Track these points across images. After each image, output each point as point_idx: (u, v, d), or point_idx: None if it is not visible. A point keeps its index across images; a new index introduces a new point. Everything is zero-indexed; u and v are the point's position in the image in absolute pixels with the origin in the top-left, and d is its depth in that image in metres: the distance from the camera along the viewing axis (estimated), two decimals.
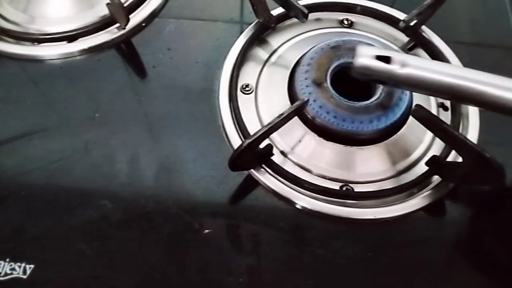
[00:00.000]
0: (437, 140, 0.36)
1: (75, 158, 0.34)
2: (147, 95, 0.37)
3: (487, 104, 0.28)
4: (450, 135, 0.31)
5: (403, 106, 0.34)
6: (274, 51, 0.40)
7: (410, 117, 0.35)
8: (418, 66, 0.27)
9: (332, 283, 0.30)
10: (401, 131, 0.35)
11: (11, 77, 0.38)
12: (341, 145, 0.34)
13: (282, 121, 0.31)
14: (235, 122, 0.35)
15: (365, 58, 0.27)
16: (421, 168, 0.35)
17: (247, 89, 0.37)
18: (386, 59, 0.27)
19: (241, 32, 0.40)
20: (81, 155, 0.34)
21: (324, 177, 0.34)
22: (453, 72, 0.28)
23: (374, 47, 0.29)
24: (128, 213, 0.32)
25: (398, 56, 0.27)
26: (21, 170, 0.33)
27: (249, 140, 0.30)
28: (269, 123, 0.31)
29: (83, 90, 0.37)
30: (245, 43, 0.39)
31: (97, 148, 0.34)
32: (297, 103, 0.32)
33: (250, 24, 0.40)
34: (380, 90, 0.34)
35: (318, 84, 0.34)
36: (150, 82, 0.37)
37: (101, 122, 0.35)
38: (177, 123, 0.36)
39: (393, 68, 0.27)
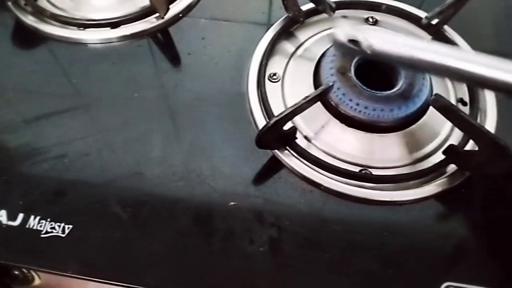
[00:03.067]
0: (454, 132, 0.37)
1: (114, 132, 0.36)
2: (181, 79, 0.40)
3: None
4: (467, 124, 0.32)
5: (423, 97, 0.36)
6: (301, 44, 0.42)
7: (429, 108, 0.37)
8: (381, 47, 0.29)
9: (348, 258, 0.32)
10: (420, 121, 0.37)
11: (58, 57, 0.41)
12: (362, 132, 0.36)
13: (307, 103, 0.33)
14: (262, 107, 0.37)
15: (339, 39, 0.29)
16: (438, 157, 0.36)
17: (274, 77, 0.40)
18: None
19: (271, 25, 0.42)
20: (120, 130, 0.37)
21: (344, 161, 0.36)
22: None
23: (349, 27, 0.30)
24: (161, 183, 0.34)
25: (365, 40, 0.29)
26: (65, 139, 0.36)
27: (276, 118, 0.32)
28: (295, 104, 0.33)
29: (124, 72, 0.40)
30: (274, 35, 0.41)
31: (135, 125, 0.37)
32: (322, 87, 0.34)
33: (280, 18, 0.43)
34: (401, 81, 0.36)
35: (342, 73, 0.36)
36: (185, 68, 0.40)
37: (139, 102, 0.38)
38: (208, 106, 0.38)
39: (363, 50, 0.29)
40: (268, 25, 0.43)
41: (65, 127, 0.37)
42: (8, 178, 0.34)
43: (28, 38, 0.43)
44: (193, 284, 0.31)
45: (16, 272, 0.34)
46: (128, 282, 0.31)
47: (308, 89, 0.38)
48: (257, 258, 0.31)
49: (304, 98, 0.33)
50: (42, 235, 0.32)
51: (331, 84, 0.35)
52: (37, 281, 0.35)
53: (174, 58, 0.41)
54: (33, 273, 0.34)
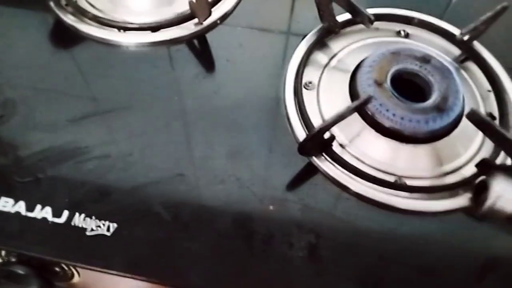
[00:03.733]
0: (485, 145, 0.38)
1: (156, 134, 0.37)
2: (220, 85, 0.41)
3: None
4: (501, 137, 0.33)
5: (457, 110, 0.37)
6: (335, 55, 0.43)
7: (461, 121, 0.38)
8: None
9: (385, 266, 0.33)
10: (452, 134, 0.38)
11: (99, 58, 0.42)
12: (397, 142, 0.37)
13: (349, 112, 0.34)
14: (299, 113, 0.39)
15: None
16: (468, 170, 0.37)
17: (310, 85, 0.41)
18: None
19: (305, 35, 0.44)
20: (161, 132, 0.37)
21: (378, 169, 0.37)
22: None
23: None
24: (202, 185, 0.35)
25: None
26: (108, 139, 0.37)
27: (321, 126, 0.33)
28: (338, 113, 0.34)
29: (163, 75, 0.41)
30: (310, 45, 0.42)
31: (175, 127, 0.38)
32: (362, 97, 0.35)
33: (314, 28, 0.44)
34: (436, 94, 0.37)
35: (379, 84, 0.37)
36: (223, 74, 0.41)
37: (179, 105, 0.39)
38: (246, 111, 0.39)
39: None
40: (303, 35, 0.44)
41: (107, 127, 0.38)
42: (53, 176, 0.35)
43: (68, 38, 0.43)
44: (233, 285, 0.32)
45: (57, 269, 0.34)
46: (171, 281, 0.31)
47: (344, 98, 0.39)
48: (297, 262, 0.32)
49: (347, 107, 0.34)
50: (88, 233, 0.32)
51: (371, 94, 0.36)
52: (76, 279, 0.36)
53: (212, 64, 0.42)
54: (73, 270, 0.34)
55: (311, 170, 0.37)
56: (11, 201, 0.34)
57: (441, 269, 0.33)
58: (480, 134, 0.38)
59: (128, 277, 0.32)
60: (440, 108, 0.37)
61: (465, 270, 0.33)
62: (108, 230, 0.33)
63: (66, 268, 0.34)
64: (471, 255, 0.33)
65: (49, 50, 0.43)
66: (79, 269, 0.34)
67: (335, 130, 0.38)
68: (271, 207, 0.34)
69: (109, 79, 0.40)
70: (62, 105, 0.39)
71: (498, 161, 0.37)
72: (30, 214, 0.33)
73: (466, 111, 0.37)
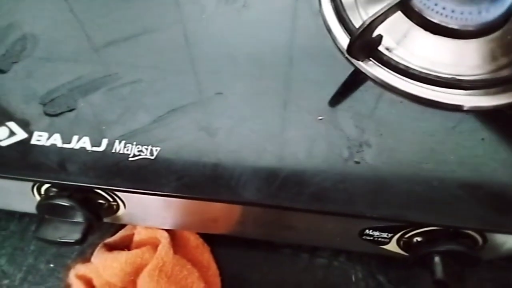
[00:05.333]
0: None
1: (185, 52, 0.35)
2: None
3: None
4: None
5: None
6: None
7: None
8: None
9: (439, 159, 0.30)
10: (506, 25, 0.35)
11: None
12: (448, 39, 0.34)
13: (396, 7, 0.32)
14: (339, 19, 0.36)
15: None
16: None
17: None
18: None
19: None
20: (189, 51, 0.35)
21: (429, 69, 0.34)
22: None
23: None
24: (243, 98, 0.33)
25: None
26: (138, 63, 0.35)
27: (368, 22, 0.30)
28: (386, 6, 0.31)
29: None
30: None
31: (203, 45, 0.35)
32: None
33: None
34: None
35: None
36: None
37: (207, 22, 0.36)
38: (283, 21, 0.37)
39: None
40: None
41: (135, 52, 0.35)
42: (86, 106, 0.33)
43: None
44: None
45: (101, 201, 0.33)
46: (226, 198, 0.30)
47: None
48: (355, 168, 0.30)
49: (390, 3, 0.32)
50: (130, 158, 0.31)
51: None
52: (121, 211, 0.34)
53: None
54: (118, 200, 0.33)
55: (358, 77, 0.34)
56: (45, 134, 0.32)
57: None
58: None
59: (178, 197, 0.30)
60: None
61: None
62: (151, 154, 0.31)
63: (110, 198, 0.32)
64: None
65: None
66: (124, 199, 0.32)
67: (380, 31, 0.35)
68: (319, 118, 0.32)
69: (131, 4, 0.38)
70: (83, 34, 0.36)
71: None
72: (67, 146, 0.31)
73: None
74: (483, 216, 0.28)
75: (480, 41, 0.34)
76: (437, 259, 0.29)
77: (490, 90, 0.33)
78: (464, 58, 0.34)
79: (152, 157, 0.31)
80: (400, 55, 0.35)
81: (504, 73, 0.34)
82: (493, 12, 0.34)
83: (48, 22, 0.37)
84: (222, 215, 0.33)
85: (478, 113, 0.32)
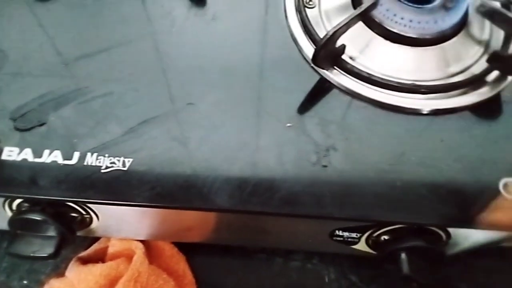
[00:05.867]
0: (492, 41, 0.38)
1: (157, 67, 0.36)
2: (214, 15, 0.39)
3: None
4: None
5: (463, 7, 0.36)
6: None
7: (467, 20, 0.37)
8: None
9: (402, 160, 0.32)
10: (460, 34, 0.37)
11: None
12: (407, 47, 0.36)
13: (356, 18, 0.33)
14: (305, 31, 0.37)
15: None
16: (479, 67, 0.37)
17: (310, 3, 0.39)
18: None
19: None
20: (161, 65, 0.36)
21: (392, 76, 0.36)
22: None
23: None
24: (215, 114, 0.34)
25: None
26: (108, 76, 0.35)
27: (331, 32, 0.32)
28: (348, 17, 0.33)
29: (158, 8, 0.39)
30: None
31: (176, 58, 0.36)
32: (368, 2, 0.34)
33: None
34: None
35: None
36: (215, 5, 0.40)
37: (177, 36, 0.37)
38: (251, 33, 0.38)
39: None
40: None
41: (106, 65, 0.36)
42: (57, 120, 0.33)
43: None
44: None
45: (74, 214, 0.33)
46: (199, 205, 0.30)
47: (348, 12, 0.37)
48: (322, 173, 0.31)
49: (352, 14, 0.33)
50: (103, 170, 0.31)
51: None
52: (95, 223, 0.34)
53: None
54: (91, 213, 0.33)
55: (324, 85, 0.36)
56: (16, 149, 0.32)
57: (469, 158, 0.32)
58: (486, 33, 0.38)
59: (151, 206, 0.30)
60: (446, 7, 0.36)
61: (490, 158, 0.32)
62: (124, 165, 0.31)
63: (83, 211, 0.32)
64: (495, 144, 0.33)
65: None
66: (97, 211, 0.33)
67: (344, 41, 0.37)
68: (288, 124, 0.33)
69: (100, 18, 0.38)
70: (53, 48, 0.36)
71: None
72: (38, 160, 0.31)
73: (471, 7, 0.37)
74: (445, 213, 0.30)
75: (438, 48, 0.36)
76: (403, 255, 0.31)
77: (447, 93, 0.35)
78: (423, 64, 0.36)
79: (125, 169, 0.31)
80: (363, 64, 0.36)
81: (459, 77, 0.36)
82: (448, 21, 0.36)
83: (17, 37, 0.37)
84: (196, 223, 0.34)
85: (437, 116, 0.34)
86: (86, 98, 0.34)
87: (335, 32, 0.32)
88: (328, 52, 0.34)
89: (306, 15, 0.37)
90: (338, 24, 0.32)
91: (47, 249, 0.31)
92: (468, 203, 0.30)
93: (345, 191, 0.30)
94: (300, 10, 0.38)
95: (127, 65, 0.36)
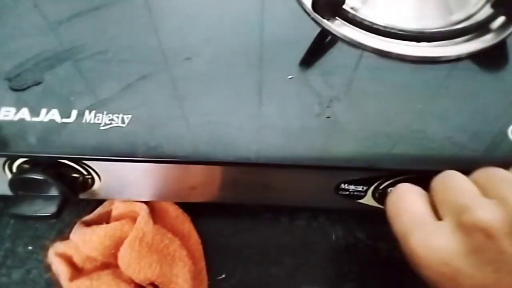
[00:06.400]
0: None
1: (151, 22, 0.35)
2: None
3: None
4: None
5: None
6: None
7: None
8: None
9: (406, 108, 0.31)
10: None
11: None
12: None
13: None
14: None
15: None
16: (483, 14, 0.35)
17: None
18: None
19: None
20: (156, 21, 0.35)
21: (395, 26, 0.35)
22: None
23: None
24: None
25: None
26: (103, 34, 0.34)
27: None
28: None
29: None
30: None
31: (173, 14, 0.35)
32: None
33: None
34: None
35: None
36: None
37: None
38: None
39: None
40: None
41: (99, 23, 0.35)
42: (53, 79, 0.32)
43: None
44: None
45: (75, 174, 0.32)
46: (200, 159, 0.30)
47: None
48: (327, 123, 0.31)
49: None
50: (102, 128, 0.30)
51: None
52: (97, 184, 0.34)
53: None
54: (93, 173, 0.32)
55: (326, 36, 0.35)
56: (12, 109, 0.31)
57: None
58: None
59: (152, 161, 0.30)
60: None
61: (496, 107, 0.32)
62: (123, 122, 0.30)
63: (84, 172, 0.32)
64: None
65: None
66: (99, 171, 0.32)
67: None
68: (289, 77, 0.33)
69: None
70: (46, 7, 0.36)
71: None
72: (36, 119, 0.31)
73: None
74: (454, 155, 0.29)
75: None
76: None
77: (452, 41, 0.34)
78: (426, 12, 0.35)
79: (124, 125, 0.30)
80: (365, 14, 0.35)
81: (463, 24, 0.35)
82: None
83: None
84: (200, 181, 0.33)
85: (442, 64, 0.33)
86: (82, 56, 0.33)
87: None
88: (329, 1, 0.33)
89: None
90: None
91: (50, 209, 0.31)
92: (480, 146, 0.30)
93: (350, 142, 0.29)
94: None
95: (122, 21, 0.35)
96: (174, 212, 0.36)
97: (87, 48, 0.34)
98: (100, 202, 0.37)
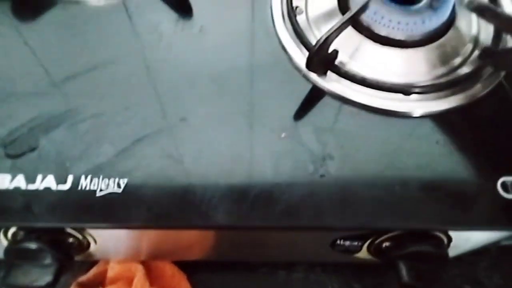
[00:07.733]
0: (480, 38, 0.38)
1: (146, 84, 0.35)
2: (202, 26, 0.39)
3: None
4: (503, 19, 0.33)
5: (450, 5, 0.36)
6: None
7: (455, 20, 0.37)
8: None
9: (398, 164, 0.32)
10: (448, 33, 0.37)
11: (72, 17, 0.39)
12: (397, 48, 0.36)
13: (346, 23, 0.33)
14: (295, 39, 0.37)
15: None
16: (470, 65, 0.37)
17: (297, 10, 0.39)
18: None
19: None
20: (152, 82, 0.35)
21: (383, 80, 0.35)
22: None
23: None
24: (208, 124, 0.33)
25: None
26: (98, 96, 0.34)
27: (324, 37, 0.32)
28: (339, 22, 0.33)
29: (145, 23, 0.38)
30: None
31: (164, 73, 0.36)
32: (362, 2, 0.34)
33: None
34: None
35: None
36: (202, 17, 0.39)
37: (165, 51, 0.37)
38: (240, 46, 0.38)
39: None
40: None
41: (94, 85, 0.35)
42: (48, 144, 0.32)
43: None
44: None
45: (71, 239, 0.32)
46: (198, 224, 0.30)
47: (336, 18, 0.37)
48: (320, 182, 0.31)
49: (343, 19, 0.33)
50: (98, 194, 0.30)
51: (366, 1, 0.34)
52: (93, 247, 0.34)
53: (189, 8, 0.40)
54: (88, 238, 0.32)
55: (316, 93, 0.35)
56: (8, 176, 0.31)
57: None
58: (474, 29, 0.38)
59: (149, 228, 0.30)
60: (433, 7, 0.36)
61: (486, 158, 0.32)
62: (119, 186, 0.31)
63: (80, 236, 0.32)
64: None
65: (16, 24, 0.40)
66: (94, 235, 0.32)
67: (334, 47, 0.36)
68: (283, 135, 0.33)
69: (87, 36, 0.38)
70: (40, 70, 0.36)
71: None
72: (31, 187, 0.31)
73: (458, 4, 0.37)
74: (445, 216, 0.30)
75: (427, 48, 0.36)
76: (401, 263, 0.30)
77: (439, 94, 0.35)
78: (413, 66, 0.36)
79: (120, 190, 0.30)
80: (354, 68, 0.36)
81: (450, 77, 0.36)
82: (436, 21, 0.36)
83: (3, 59, 0.36)
84: (196, 241, 0.34)
85: (431, 118, 0.34)
86: (76, 119, 0.33)
87: (327, 37, 0.32)
88: (321, 58, 0.34)
89: (296, 21, 0.37)
90: (330, 29, 0.32)
91: (46, 278, 0.30)
92: (467, 204, 0.30)
93: (344, 200, 0.30)
94: (290, 17, 0.37)
95: (116, 83, 0.35)
96: (170, 271, 0.36)
97: (82, 110, 0.34)
98: (95, 261, 0.37)
